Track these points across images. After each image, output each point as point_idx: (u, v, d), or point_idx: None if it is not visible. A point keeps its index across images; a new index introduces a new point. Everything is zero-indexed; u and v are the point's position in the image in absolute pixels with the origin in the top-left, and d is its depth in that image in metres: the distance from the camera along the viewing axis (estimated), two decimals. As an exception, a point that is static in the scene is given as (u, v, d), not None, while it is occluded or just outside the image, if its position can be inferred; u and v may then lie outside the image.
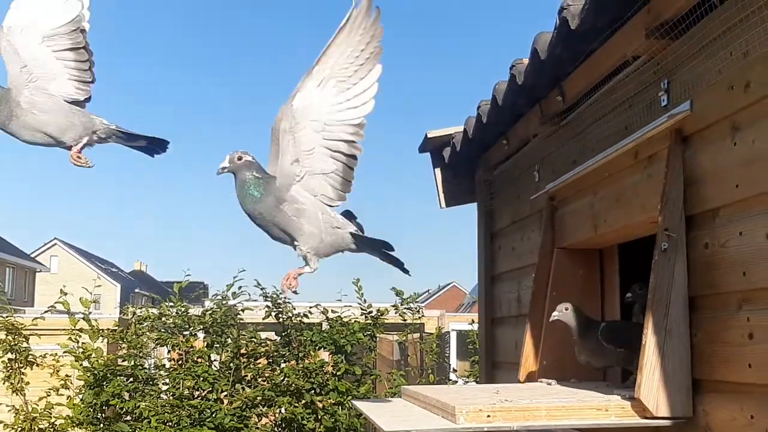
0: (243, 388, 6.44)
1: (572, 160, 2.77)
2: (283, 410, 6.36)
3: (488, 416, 1.95)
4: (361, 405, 2.46)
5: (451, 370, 8.30)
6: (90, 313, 6.38)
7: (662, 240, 2.01)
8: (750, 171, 1.77)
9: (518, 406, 1.99)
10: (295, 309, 6.78)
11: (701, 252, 1.96)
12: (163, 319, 6.59)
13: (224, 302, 6.73)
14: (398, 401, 2.62)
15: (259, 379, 6.53)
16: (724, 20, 1.85)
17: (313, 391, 6.39)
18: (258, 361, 6.61)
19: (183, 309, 6.62)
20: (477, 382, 5.71)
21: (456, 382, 7.66)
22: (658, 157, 2.17)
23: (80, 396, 6.10)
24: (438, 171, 3.94)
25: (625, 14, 2.15)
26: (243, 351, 6.54)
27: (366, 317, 6.88)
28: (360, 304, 6.96)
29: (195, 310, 6.80)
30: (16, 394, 6.32)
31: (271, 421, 6.50)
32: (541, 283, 2.86)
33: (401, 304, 7.23)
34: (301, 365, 6.50)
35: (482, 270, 3.87)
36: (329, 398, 6.37)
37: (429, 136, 3.76)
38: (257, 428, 6.32)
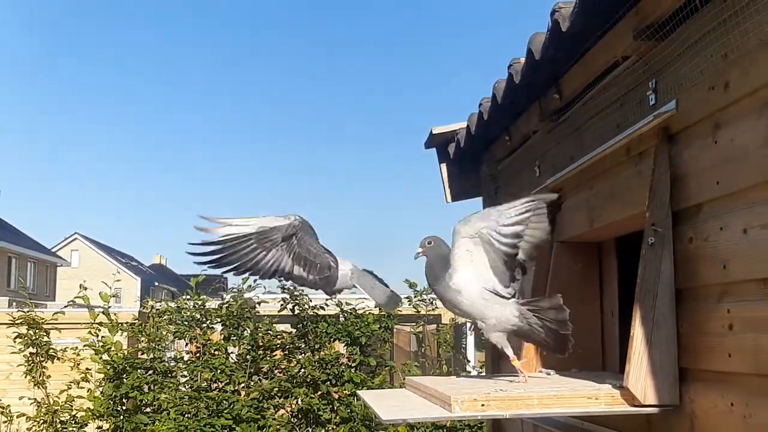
0: (260, 380, 6.57)
1: (570, 156, 2.84)
2: (299, 401, 6.48)
3: (482, 405, 2.03)
4: (365, 395, 2.56)
5: (466, 361, 8.38)
6: (110, 307, 6.52)
7: (649, 234, 2.09)
8: (729, 168, 1.84)
9: (511, 395, 2.07)
10: (311, 301, 6.90)
11: (686, 246, 2.03)
12: (181, 312, 6.73)
13: (240, 295, 6.86)
14: (402, 391, 2.71)
15: (276, 371, 6.66)
16: (705, 23, 1.92)
17: (328, 382, 6.50)
18: (274, 353, 6.73)
19: (200, 302, 6.75)
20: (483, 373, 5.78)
21: (470, 372, 7.74)
22: (647, 154, 2.24)
23: (100, 389, 6.25)
24: (444, 166, 4.02)
25: (614, 16, 2.22)
26: (260, 343, 6.66)
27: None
28: (374, 296, 7.05)
29: (213, 303, 6.93)
30: (38, 388, 6.49)
31: (287, 411, 6.63)
32: (541, 275, 2.94)
33: (415, 296, 7.32)
34: (317, 357, 6.61)
35: (488, 263, 3.94)
36: (345, 389, 6.48)
37: (434, 132, 3.84)
38: (274, 419, 6.44)
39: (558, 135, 2.98)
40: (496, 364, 3.85)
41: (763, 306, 1.71)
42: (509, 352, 2.39)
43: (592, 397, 2.09)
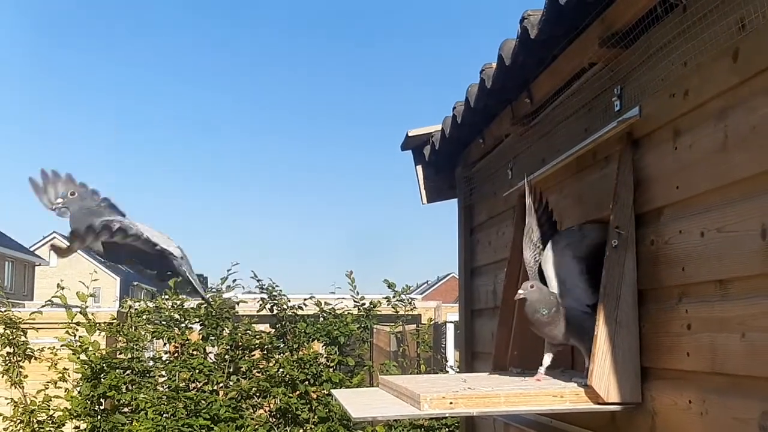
0: (238, 380, 6.59)
1: (541, 159, 2.90)
2: (277, 401, 6.51)
3: (450, 403, 2.08)
4: (338, 393, 2.60)
5: (444, 360, 8.44)
6: (87, 306, 6.51)
7: (613, 237, 2.15)
8: (688, 173, 1.90)
9: (479, 393, 2.12)
10: (289, 301, 6.93)
11: (648, 248, 2.09)
12: (160, 312, 6.74)
13: (219, 295, 6.88)
14: (375, 390, 2.76)
15: (254, 371, 6.67)
16: (666, 32, 1.98)
17: (307, 382, 6.53)
18: (253, 353, 6.75)
19: (179, 302, 6.76)
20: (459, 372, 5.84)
21: (448, 372, 7.80)
22: (612, 159, 2.30)
23: (78, 389, 6.24)
24: (419, 168, 4.07)
25: (581, 24, 2.28)
26: (238, 343, 6.68)
27: (359, 309, 7.03)
28: (353, 296, 7.10)
29: (192, 303, 6.94)
30: (15, 387, 6.47)
31: (266, 411, 6.65)
32: (512, 276, 3.00)
33: (393, 296, 7.37)
34: (296, 356, 6.64)
35: (462, 263, 4.01)
36: (323, 389, 6.51)
37: (410, 134, 3.89)
38: (252, 419, 6.46)
39: (529, 138, 3.04)
40: (470, 364, 3.91)
41: (719, 306, 1.77)
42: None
43: (558, 395, 2.15)
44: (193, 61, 77.84)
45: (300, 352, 6.69)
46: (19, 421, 6.33)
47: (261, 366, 6.67)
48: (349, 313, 6.99)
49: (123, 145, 77.91)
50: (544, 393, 2.15)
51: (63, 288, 6.35)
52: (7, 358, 6.52)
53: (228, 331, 6.62)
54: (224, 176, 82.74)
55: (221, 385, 6.49)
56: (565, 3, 2.10)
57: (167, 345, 6.85)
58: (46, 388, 6.32)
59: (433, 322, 8.15)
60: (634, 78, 2.18)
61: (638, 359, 2.10)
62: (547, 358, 2.45)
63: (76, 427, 6.27)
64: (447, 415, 2.04)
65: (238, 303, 7.13)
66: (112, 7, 74.93)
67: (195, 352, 6.54)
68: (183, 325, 6.65)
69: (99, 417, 6.15)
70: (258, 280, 6.94)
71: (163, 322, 6.65)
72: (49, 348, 6.51)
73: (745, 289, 1.68)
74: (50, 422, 6.27)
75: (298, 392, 6.50)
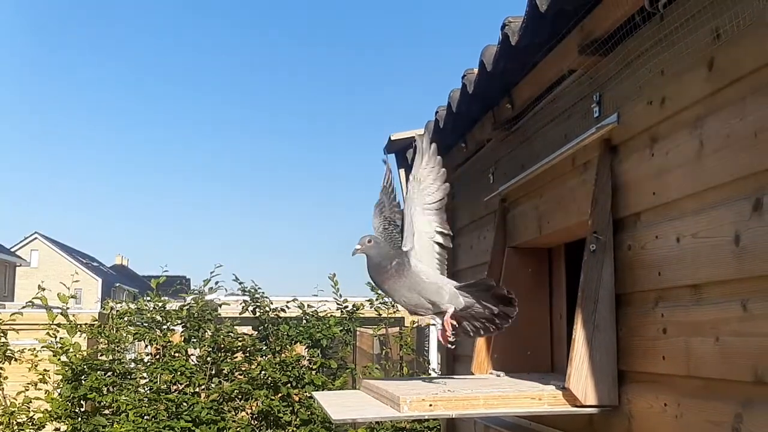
0: (220, 382, 6.58)
1: (521, 164, 2.93)
2: (259, 403, 6.50)
3: (430, 405, 2.10)
4: (319, 395, 2.61)
5: (427, 363, 8.46)
6: (68, 308, 6.48)
7: (591, 242, 2.18)
8: (664, 180, 1.93)
9: (458, 395, 2.14)
10: (272, 304, 6.93)
11: (626, 253, 2.12)
12: (142, 314, 6.71)
13: (201, 297, 6.86)
14: (356, 393, 2.77)
15: (236, 373, 6.66)
16: (644, 40, 2.01)
17: (289, 385, 6.53)
18: (235, 355, 6.74)
19: (161, 304, 6.74)
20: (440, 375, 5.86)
21: (430, 375, 7.82)
22: (591, 164, 2.33)
23: (58, 390, 6.21)
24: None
25: (561, 31, 2.31)
26: (221, 345, 6.67)
27: (342, 312, 7.04)
28: (336, 298, 7.11)
29: (174, 305, 6.92)
30: (-5, 389, 6.42)
31: (247, 413, 6.64)
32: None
33: (377, 299, 7.38)
34: (278, 359, 6.64)
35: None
36: (305, 391, 6.51)
37: (392, 138, 3.91)
38: (234, 421, 6.45)
39: (510, 143, 3.07)
40: (451, 366, 3.93)
41: (694, 311, 1.80)
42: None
43: (536, 397, 2.17)
44: (186, 61, 77.56)
45: (282, 355, 6.69)
46: (-2, 422, 6.29)
47: (243, 368, 6.66)
48: (331, 315, 7.00)
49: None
50: (523, 395, 2.17)
51: (44, 289, 6.32)
52: (-14, 360, 6.47)
53: (210, 333, 6.62)
54: (218, 177, 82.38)
55: (203, 387, 6.48)
56: (545, 10, 2.13)
57: (149, 347, 6.82)
58: (26, 390, 6.28)
59: (416, 324, 8.17)
60: (612, 85, 2.21)
61: (615, 362, 2.13)
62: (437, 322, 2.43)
63: (57, 429, 6.23)
64: (426, 417, 2.06)
65: (220, 305, 7.12)
66: (113, 8, 74.50)
67: (177, 354, 6.52)
68: (165, 326, 6.63)
69: (79, 419, 6.12)
70: (240, 283, 6.94)
71: (145, 324, 6.63)
72: (29, 349, 6.47)
73: (719, 293, 1.71)
74: (30, 424, 6.23)
75: (280, 395, 6.49)
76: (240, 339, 6.74)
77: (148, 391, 6.34)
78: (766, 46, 1.54)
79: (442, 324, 2.38)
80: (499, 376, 2.79)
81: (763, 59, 1.55)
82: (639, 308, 2.05)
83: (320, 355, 6.72)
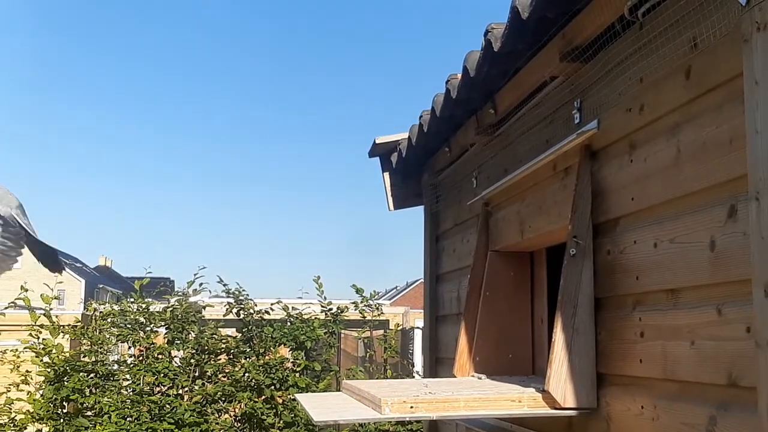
0: (203, 384, 6.57)
1: (504, 168, 2.96)
2: (243, 405, 6.50)
3: (411, 407, 2.12)
4: (302, 398, 2.63)
5: (411, 366, 8.48)
6: (51, 309, 6.45)
7: (571, 246, 2.21)
8: (642, 186, 1.97)
9: (439, 398, 2.17)
10: (256, 305, 6.93)
11: (605, 258, 2.15)
12: (125, 315, 6.70)
13: (185, 299, 6.85)
14: (339, 395, 2.79)
15: (220, 375, 6.66)
16: (624, 48, 2.05)
17: (273, 387, 6.53)
18: (219, 357, 6.73)
19: (144, 305, 6.72)
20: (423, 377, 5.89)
21: (414, 377, 7.84)
22: (572, 170, 2.36)
23: (41, 391, 6.19)
24: (386, 175, 4.12)
25: (542, 38, 2.34)
26: (204, 347, 6.66)
27: (326, 314, 7.05)
28: (320, 301, 7.12)
29: (158, 306, 6.90)
30: (-24, 390, 6.39)
31: (231, 416, 6.63)
32: (476, 283, 3.05)
33: (361, 302, 7.40)
34: (262, 361, 6.63)
35: (428, 269, 4.06)
36: (289, 393, 6.51)
37: (377, 142, 3.93)
38: (217, 423, 6.44)
39: (493, 148, 3.10)
40: (434, 369, 3.96)
41: (671, 315, 1.84)
42: None
43: (516, 400, 2.20)
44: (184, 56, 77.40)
45: (266, 357, 6.69)
46: (-21, 424, 6.25)
47: (227, 370, 6.66)
48: (316, 317, 7.01)
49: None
50: (503, 398, 2.20)
51: (27, 290, 6.28)
52: (-32, 361, 6.44)
53: (194, 335, 6.61)
54: (204, 179, 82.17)
55: (186, 389, 6.47)
56: (527, 17, 2.15)
57: (132, 348, 6.80)
58: (8, 391, 6.25)
59: (400, 327, 8.19)
60: (593, 92, 2.24)
61: (594, 366, 2.16)
62: None
63: (39, 431, 6.20)
64: (408, 419, 2.08)
65: (204, 307, 7.11)
66: (114, 4, 74.23)
67: (160, 356, 6.51)
68: (148, 328, 6.62)
69: (62, 420, 6.09)
70: (224, 285, 6.94)
71: (128, 326, 6.61)
72: (11, 350, 6.45)
73: (695, 298, 1.74)
74: (12, 425, 6.20)
75: (263, 397, 6.49)
76: (224, 341, 6.74)
77: (131, 393, 6.32)
78: (742, 55, 1.57)
79: None
80: (480, 378, 2.82)
81: (738, 68, 1.58)
82: (617, 312, 2.08)
83: (304, 358, 6.73)
